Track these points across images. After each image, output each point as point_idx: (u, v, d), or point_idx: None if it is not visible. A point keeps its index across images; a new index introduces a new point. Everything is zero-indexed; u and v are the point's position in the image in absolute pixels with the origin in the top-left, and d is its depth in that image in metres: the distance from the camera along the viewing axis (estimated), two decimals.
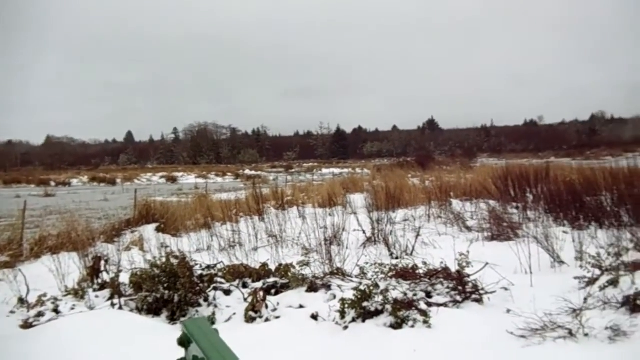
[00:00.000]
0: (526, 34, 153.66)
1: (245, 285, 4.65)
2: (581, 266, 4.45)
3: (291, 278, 4.57)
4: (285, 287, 4.59)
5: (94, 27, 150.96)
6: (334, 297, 4.25)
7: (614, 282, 3.93)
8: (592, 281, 4.21)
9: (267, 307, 4.09)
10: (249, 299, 4.14)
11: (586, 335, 3.27)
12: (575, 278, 4.40)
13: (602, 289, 3.98)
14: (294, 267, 4.73)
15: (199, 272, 4.47)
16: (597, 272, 4.28)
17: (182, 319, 3.87)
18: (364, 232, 6.80)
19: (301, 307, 4.16)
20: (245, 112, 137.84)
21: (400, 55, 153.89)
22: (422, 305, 3.79)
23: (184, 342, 1.04)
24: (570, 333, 3.29)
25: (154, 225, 8.59)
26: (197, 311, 4.02)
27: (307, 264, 4.79)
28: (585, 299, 3.89)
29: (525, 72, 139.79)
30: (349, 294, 3.92)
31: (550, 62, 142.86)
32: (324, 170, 37.45)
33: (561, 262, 5.22)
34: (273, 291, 4.57)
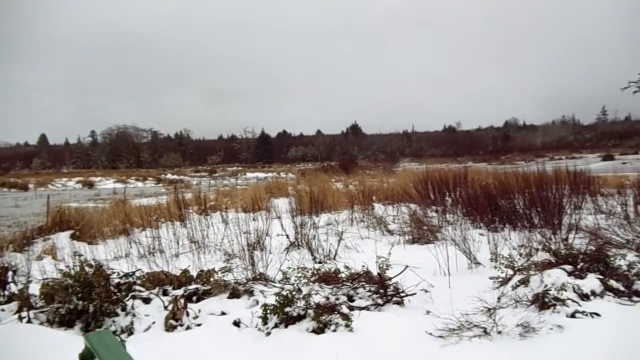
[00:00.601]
0: (446, 42, 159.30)
1: (166, 293, 4.51)
2: (496, 267, 4.62)
3: (213, 285, 4.48)
4: (207, 294, 4.49)
5: None
6: (257, 303, 4.20)
7: (525, 282, 4.13)
8: (505, 281, 4.40)
9: (188, 315, 3.98)
10: (170, 307, 4.02)
11: (500, 333, 3.41)
12: (491, 278, 4.58)
13: (514, 288, 4.17)
14: (216, 274, 4.65)
15: (117, 280, 4.29)
16: (510, 272, 4.47)
17: (87, 334, 3.71)
18: (287, 236, 6.78)
19: (223, 314, 4.09)
20: (167, 115, 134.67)
21: (324, 60, 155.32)
22: (345, 310, 3.82)
23: (86, 357, 0.99)
24: (485, 332, 3.41)
25: (68, 233, 8.20)
26: (114, 321, 3.86)
27: (230, 270, 4.71)
28: (499, 299, 4.06)
29: (445, 79, 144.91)
30: (272, 300, 3.89)
31: (468, 70, 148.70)
32: (249, 175, 37.13)
33: (478, 264, 5.41)
34: (195, 298, 4.46)
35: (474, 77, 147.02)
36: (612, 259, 4.46)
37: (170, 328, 3.85)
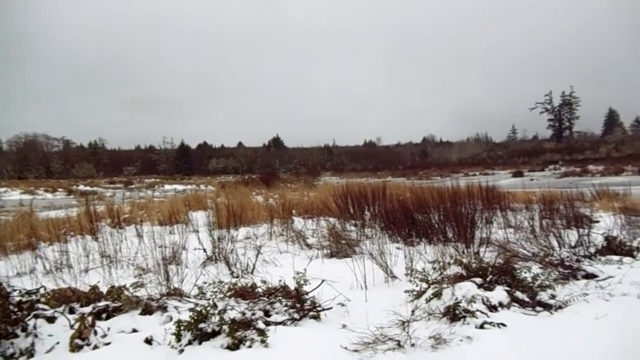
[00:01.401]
0: (366, 60, 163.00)
1: (72, 311, 4.27)
2: (410, 280, 4.71)
3: (124, 301, 4.30)
4: (117, 311, 4.30)
5: None
6: (171, 319, 4.07)
7: (437, 294, 4.24)
8: (419, 294, 4.50)
9: (96, 333, 3.79)
10: (76, 326, 3.81)
11: (413, 345, 3.48)
12: (405, 292, 4.66)
13: (427, 301, 4.27)
14: (127, 289, 4.47)
15: (17, 298, 4.03)
16: (424, 285, 4.58)
17: None
18: (204, 250, 6.64)
19: (134, 331, 3.93)
20: (79, 123, 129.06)
21: (247, 72, 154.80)
22: (260, 325, 3.77)
23: None
24: (399, 344, 3.47)
25: None
26: (12, 343, 3.60)
27: (142, 285, 4.55)
28: (413, 311, 4.15)
29: (365, 95, 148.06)
30: (186, 315, 3.78)
31: (388, 87, 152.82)
32: (167, 187, 36.23)
33: (394, 277, 5.51)
34: (104, 315, 4.25)
35: (393, 94, 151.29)
36: (518, 271, 4.68)
37: (75, 348, 3.64)
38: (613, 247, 6.11)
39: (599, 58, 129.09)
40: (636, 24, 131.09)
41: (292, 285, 4.47)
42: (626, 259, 5.76)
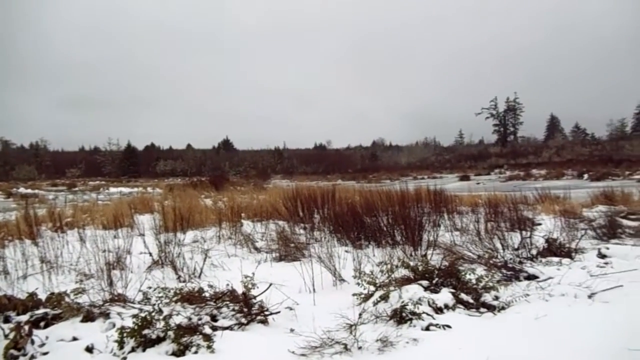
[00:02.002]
0: (316, 63, 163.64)
1: (8, 320, 4.09)
2: (358, 283, 4.73)
3: (64, 308, 4.15)
4: (57, 319, 4.14)
5: None
6: (113, 325, 3.95)
7: (385, 297, 4.27)
8: (367, 297, 4.53)
9: (33, 342, 3.64)
10: (11, 335, 3.65)
11: (360, 348, 3.49)
12: (353, 295, 4.68)
13: (375, 304, 4.30)
14: (68, 296, 4.31)
15: None
16: (372, 288, 4.61)
17: None
18: (150, 254, 6.48)
19: (75, 339, 3.79)
20: (19, 123, 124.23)
21: (197, 73, 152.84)
22: (207, 330, 3.71)
23: None
24: (346, 347, 3.47)
25: None
26: None
27: (84, 291, 4.41)
28: (360, 314, 4.17)
29: (315, 97, 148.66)
30: (130, 322, 3.68)
31: (339, 89, 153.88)
32: (112, 189, 35.19)
33: (342, 280, 5.52)
34: (42, 324, 4.09)
35: (344, 97, 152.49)
36: (464, 273, 4.77)
37: (10, 359, 3.49)
38: (553, 249, 6.32)
39: (541, 66, 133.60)
40: (575, 36, 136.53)
41: (240, 290, 4.42)
42: (565, 260, 5.97)
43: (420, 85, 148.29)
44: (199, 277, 5.87)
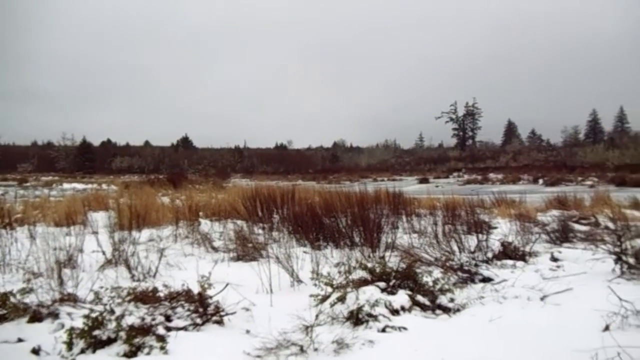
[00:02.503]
0: (274, 60, 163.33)
1: None
2: (316, 284, 4.71)
3: (9, 308, 3.99)
4: (2, 319, 3.98)
5: None
6: (62, 326, 3.83)
7: (342, 299, 4.26)
8: (324, 298, 4.50)
9: None
10: None
11: (316, 350, 3.47)
12: (311, 296, 4.66)
13: (332, 305, 4.29)
14: (14, 295, 4.15)
15: None
16: (329, 289, 4.59)
17: None
18: (103, 253, 6.32)
19: (20, 340, 3.65)
20: None
21: (155, 69, 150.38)
22: (161, 330, 3.62)
23: None
24: (302, 349, 3.45)
25: None
26: None
27: (32, 291, 4.25)
28: (317, 316, 4.15)
29: (277, 96, 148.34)
30: (80, 322, 3.56)
31: (301, 89, 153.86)
32: (66, 185, 34.31)
33: (300, 281, 5.49)
34: None
35: (306, 97, 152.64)
36: (420, 275, 4.81)
37: None
38: (508, 252, 6.44)
39: (500, 72, 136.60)
40: (532, 44, 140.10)
41: (195, 289, 4.33)
42: (519, 264, 6.10)
43: (383, 88, 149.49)
44: (154, 276, 5.75)
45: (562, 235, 7.93)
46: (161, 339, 3.48)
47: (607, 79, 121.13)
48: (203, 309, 4.13)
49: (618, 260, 5.49)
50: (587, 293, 4.63)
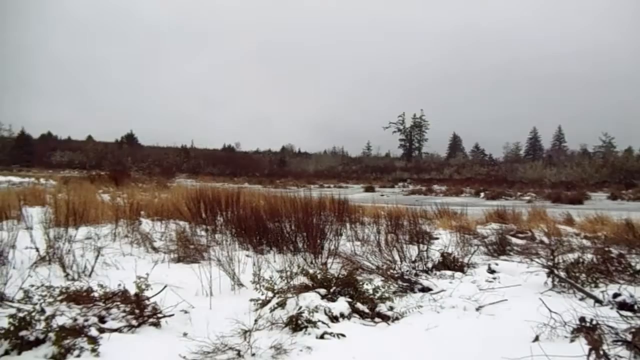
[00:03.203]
0: (222, 62, 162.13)
1: None
2: (257, 289, 4.68)
3: None
4: None
5: None
6: None
7: (282, 304, 4.24)
8: (264, 303, 4.48)
9: None
10: None
11: (253, 355, 3.44)
12: (251, 300, 4.62)
13: (272, 310, 4.26)
14: None
15: None
16: (270, 294, 4.56)
17: None
18: (37, 249, 6.07)
19: None
20: None
21: (97, 63, 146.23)
22: (93, 332, 3.50)
23: None
24: (239, 354, 3.41)
25: None
26: None
27: None
28: (256, 320, 4.11)
29: (225, 97, 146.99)
30: (6, 322, 3.40)
31: (249, 93, 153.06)
32: (1, 178, 32.95)
33: (241, 285, 5.43)
34: None
35: (254, 101, 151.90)
36: (361, 283, 4.84)
37: None
38: (447, 263, 6.58)
39: (447, 87, 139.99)
40: (476, 60, 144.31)
41: (133, 290, 4.22)
42: (457, 274, 6.24)
43: (332, 95, 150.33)
44: (90, 275, 5.57)
45: (500, 248, 8.16)
46: (93, 340, 3.36)
47: (547, 100, 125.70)
48: (139, 310, 4.02)
49: (550, 273, 5.69)
50: (520, 305, 4.78)
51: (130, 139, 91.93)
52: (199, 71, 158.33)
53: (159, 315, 4.07)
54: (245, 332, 3.76)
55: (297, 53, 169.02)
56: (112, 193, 14.65)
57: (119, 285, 4.29)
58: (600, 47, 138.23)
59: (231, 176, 60.21)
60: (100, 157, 74.15)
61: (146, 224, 8.98)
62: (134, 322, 3.91)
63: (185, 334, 3.86)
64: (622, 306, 4.59)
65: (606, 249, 6.89)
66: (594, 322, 3.72)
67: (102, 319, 3.85)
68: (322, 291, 4.53)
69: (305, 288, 4.65)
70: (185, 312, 4.34)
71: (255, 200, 10.89)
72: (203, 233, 8.52)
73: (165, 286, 4.54)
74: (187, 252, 6.84)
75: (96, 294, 4.17)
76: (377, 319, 4.38)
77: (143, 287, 4.21)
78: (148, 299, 4.18)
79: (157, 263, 6.29)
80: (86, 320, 3.63)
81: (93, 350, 3.28)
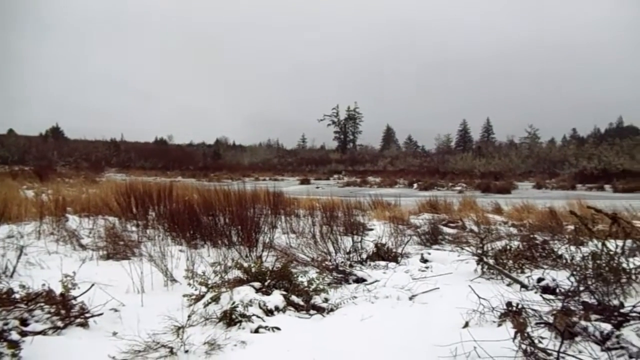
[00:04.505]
0: (160, 49, 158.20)
1: None
2: (190, 284, 4.59)
3: None
4: None
5: None
6: None
7: (216, 299, 4.18)
8: (198, 298, 4.40)
9: None
10: None
11: (187, 351, 3.36)
12: (184, 296, 4.52)
13: (205, 305, 4.19)
14: None
15: None
16: (204, 289, 4.49)
17: None
18: None
19: None
20: None
21: (17, 53, 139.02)
22: (14, 335, 3.32)
23: None
24: (172, 351, 3.32)
25: None
26: None
27: None
28: (189, 316, 4.03)
29: (153, 91, 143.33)
30: None
31: (181, 85, 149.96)
32: None
33: (174, 281, 5.31)
34: None
35: (187, 92, 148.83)
36: (296, 275, 4.84)
37: None
38: (381, 254, 6.67)
39: (380, 78, 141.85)
40: (412, 56, 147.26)
41: (58, 290, 4.04)
42: (391, 264, 6.35)
43: (266, 87, 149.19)
44: (11, 276, 5.29)
45: (432, 238, 8.36)
46: (14, 345, 3.19)
47: (476, 93, 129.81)
48: (66, 310, 3.86)
49: (480, 261, 5.87)
50: (452, 292, 4.91)
51: (55, 132, 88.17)
52: (127, 63, 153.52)
53: (87, 315, 3.91)
54: (178, 328, 3.67)
55: (229, 45, 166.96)
56: (36, 189, 14.02)
57: (43, 285, 4.09)
58: (522, 42, 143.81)
59: (164, 170, 58.94)
60: (23, 151, 70.69)
61: (73, 221, 8.62)
62: (60, 324, 3.74)
63: (115, 333, 3.72)
64: (546, 290, 4.80)
65: (531, 236, 7.19)
66: (520, 306, 3.87)
67: (24, 322, 3.66)
68: (257, 285, 4.49)
69: (239, 282, 4.60)
70: (115, 310, 4.20)
71: (188, 194, 10.68)
72: (134, 229, 8.29)
73: (93, 284, 4.37)
74: (117, 249, 6.62)
75: (17, 296, 3.96)
76: (312, 311, 4.39)
77: (69, 286, 4.04)
78: (75, 298, 4.02)
79: (85, 261, 6.06)
80: (6, 324, 3.44)
81: (14, 355, 3.11)
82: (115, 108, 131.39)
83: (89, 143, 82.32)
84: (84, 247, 6.98)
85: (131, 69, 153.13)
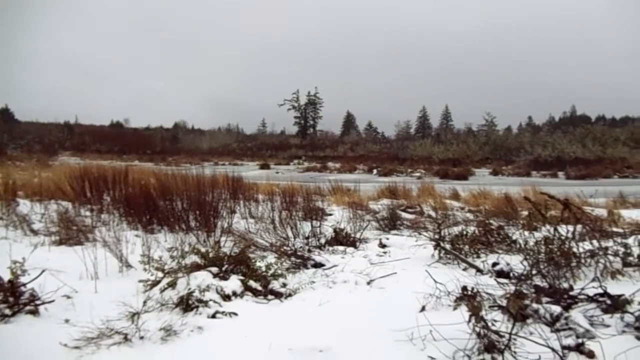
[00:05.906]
0: (114, 27, 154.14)
1: None
2: (146, 269, 4.50)
3: None
4: None
5: None
6: None
7: (172, 284, 4.13)
8: (154, 284, 4.33)
9: None
10: None
11: (142, 338, 3.31)
12: (140, 281, 4.44)
13: (162, 291, 4.14)
14: None
15: None
16: (160, 274, 4.41)
17: None
18: None
19: None
20: None
21: None
22: None
23: None
24: (126, 338, 3.26)
25: None
26: None
27: None
28: (145, 302, 3.95)
29: (106, 72, 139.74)
30: None
31: (131, 67, 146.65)
32: None
33: (129, 266, 5.21)
34: None
35: (143, 74, 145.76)
36: (254, 260, 4.82)
37: None
38: (340, 239, 6.71)
39: (341, 65, 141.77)
40: (371, 43, 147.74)
41: (6, 277, 3.91)
42: (350, 249, 6.39)
43: (225, 71, 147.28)
44: None
45: (391, 223, 8.45)
46: None
47: (435, 81, 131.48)
48: (14, 298, 3.73)
49: (437, 246, 5.97)
50: (409, 277, 4.98)
51: (5, 114, 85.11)
52: (79, 42, 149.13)
53: (37, 302, 3.80)
54: (133, 314, 3.60)
55: (184, 27, 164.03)
56: None
57: None
58: (490, 29, 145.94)
59: (120, 154, 57.75)
60: None
61: (24, 205, 8.35)
62: (8, 312, 3.63)
63: (67, 320, 3.64)
64: (500, 274, 4.92)
65: (487, 221, 7.33)
66: (475, 290, 3.95)
67: None
68: (214, 270, 4.45)
69: (197, 267, 4.55)
70: (68, 297, 4.10)
71: (145, 178, 10.46)
72: (88, 213, 8.08)
73: (44, 270, 4.24)
74: (70, 234, 6.45)
75: None
76: (270, 296, 4.37)
77: (19, 272, 3.90)
78: (24, 285, 3.89)
79: (36, 247, 5.87)
80: None
81: None
82: (68, 90, 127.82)
83: (42, 126, 79.95)
84: (35, 233, 6.77)
85: (83, 50, 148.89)
